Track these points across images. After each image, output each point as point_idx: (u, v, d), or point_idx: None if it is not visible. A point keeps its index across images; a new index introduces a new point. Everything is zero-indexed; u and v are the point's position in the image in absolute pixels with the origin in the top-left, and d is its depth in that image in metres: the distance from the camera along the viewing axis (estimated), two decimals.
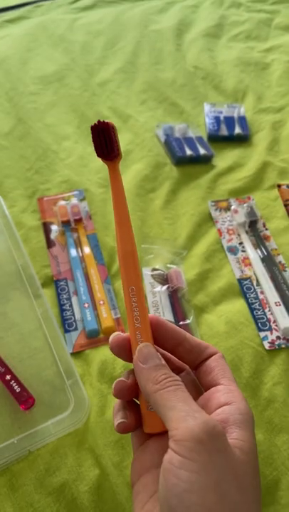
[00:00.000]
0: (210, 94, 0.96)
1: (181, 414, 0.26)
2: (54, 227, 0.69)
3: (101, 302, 0.59)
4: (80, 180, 0.75)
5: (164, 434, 0.27)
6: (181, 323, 0.56)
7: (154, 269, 0.62)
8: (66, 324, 0.58)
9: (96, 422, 0.49)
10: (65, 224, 0.68)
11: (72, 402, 0.50)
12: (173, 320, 0.56)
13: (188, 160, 0.79)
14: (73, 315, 0.59)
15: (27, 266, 0.62)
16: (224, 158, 0.81)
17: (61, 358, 0.54)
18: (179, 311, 0.58)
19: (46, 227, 0.69)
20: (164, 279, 0.61)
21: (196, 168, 0.79)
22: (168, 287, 0.60)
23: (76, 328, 0.58)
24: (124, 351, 0.33)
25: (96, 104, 0.90)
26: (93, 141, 0.32)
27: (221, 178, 0.78)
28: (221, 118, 0.87)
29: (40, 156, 0.79)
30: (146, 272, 0.61)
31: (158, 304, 0.57)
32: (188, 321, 0.57)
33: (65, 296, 0.61)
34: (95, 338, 0.57)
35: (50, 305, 0.59)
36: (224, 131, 0.85)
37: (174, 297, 0.59)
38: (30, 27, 1.12)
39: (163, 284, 0.60)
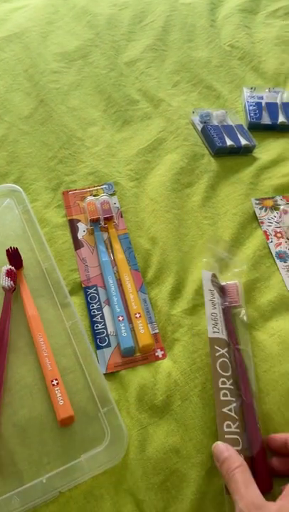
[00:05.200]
0: (248, 77, 0.87)
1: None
2: (81, 226, 0.62)
3: (137, 315, 0.52)
4: (108, 172, 0.68)
5: None
6: (236, 347, 0.49)
7: (214, 276, 0.53)
8: (98, 339, 0.52)
9: (136, 459, 0.43)
10: (94, 222, 0.61)
11: (108, 433, 0.44)
12: (226, 338, 0.49)
13: (228, 151, 0.71)
14: (105, 328, 0.52)
15: (53, 269, 0.56)
16: (267, 150, 0.74)
17: (94, 381, 0.47)
18: (231, 332, 0.50)
19: (73, 225, 0.62)
20: (220, 290, 0.53)
21: (236, 160, 0.71)
22: (223, 301, 0.52)
23: (109, 345, 0.51)
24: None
25: (124, 86, 0.82)
26: None
27: (264, 172, 0.70)
28: (263, 104, 0.79)
29: (65, 144, 0.71)
30: (207, 276, 0.53)
31: (217, 318, 0.49)
32: (240, 347, 0.49)
33: (95, 306, 0.54)
34: (130, 356, 0.50)
35: (78, 316, 0.52)
36: (266, 119, 0.77)
37: (227, 314, 0.52)
38: None
39: (220, 296, 0.53)
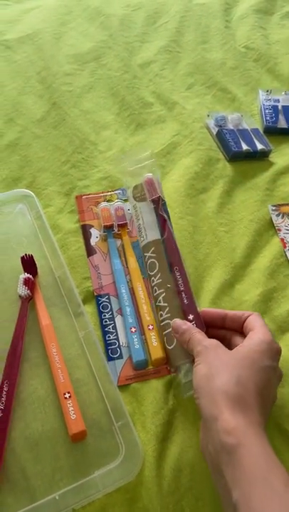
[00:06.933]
0: (263, 79, 0.86)
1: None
2: (94, 232, 0.61)
3: (150, 327, 0.51)
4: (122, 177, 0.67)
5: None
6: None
7: (135, 188, 0.58)
8: (109, 350, 0.50)
9: (151, 476, 0.42)
10: (108, 229, 0.60)
11: (123, 449, 0.43)
12: (153, 238, 0.54)
13: (243, 155, 0.70)
14: (117, 339, 0.51)
15: (66, 278, 0.55)
16: (284, 155, 0.72)
17: (108, 394, 0.46)
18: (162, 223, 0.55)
19: (85, 231, 0.61)
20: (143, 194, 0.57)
21: (252, 165, 0.70)
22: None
23: (121, 356, 0.50)
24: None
25: (138, 89, 0.81)
26: None
27: (281, 177, 0.69)
28: (279, 107, 0.77)
29: (78, 148, 0.70)
30: (130, 193, 0.58)
31: (141, 228, 0.55)
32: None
33: (107, 316, 0.53)
34: (142, 369, 0.49)
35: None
36: (283, 122, 0.76)
37: (156, 207, 0.56)
38: None
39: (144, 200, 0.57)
